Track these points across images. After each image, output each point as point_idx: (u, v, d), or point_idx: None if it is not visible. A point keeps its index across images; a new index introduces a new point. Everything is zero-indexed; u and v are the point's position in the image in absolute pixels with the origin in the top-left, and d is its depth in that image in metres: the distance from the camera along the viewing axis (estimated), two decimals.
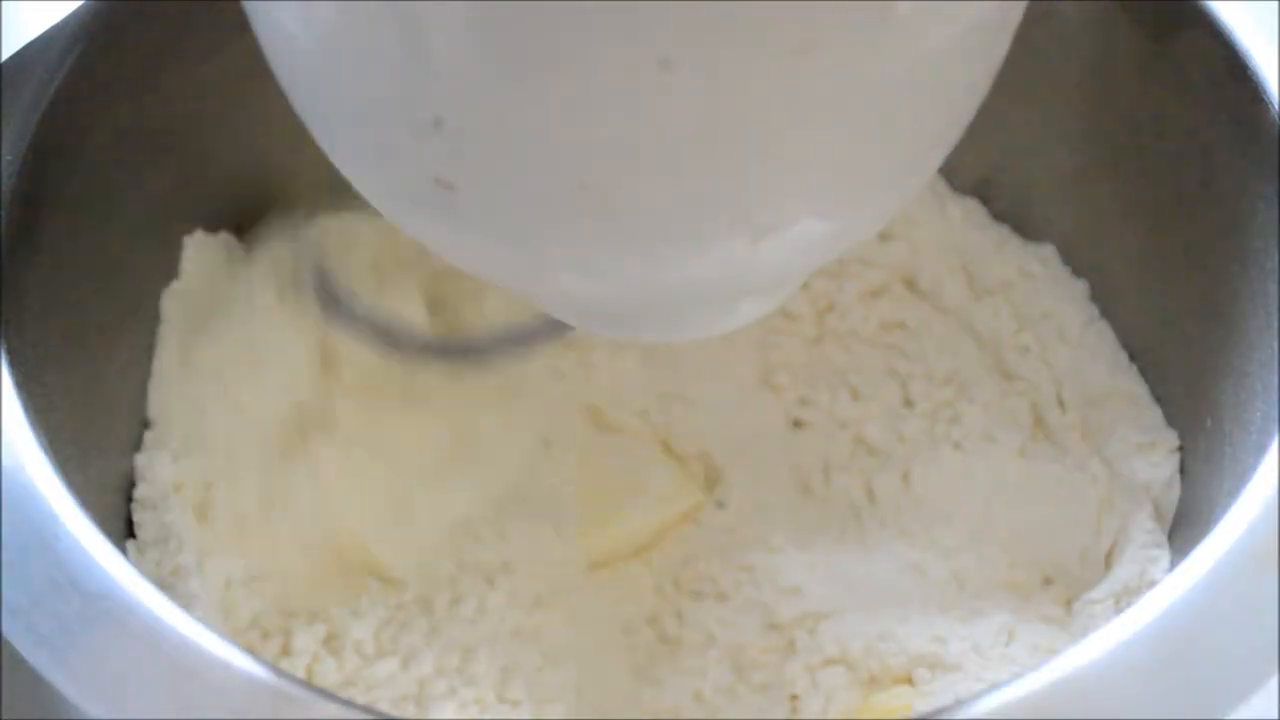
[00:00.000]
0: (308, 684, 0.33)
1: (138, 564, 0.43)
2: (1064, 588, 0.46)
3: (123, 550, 0.39)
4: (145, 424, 0.47)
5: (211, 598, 0.45)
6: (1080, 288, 0.51)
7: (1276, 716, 0.37)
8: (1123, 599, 0.44)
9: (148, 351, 0.48)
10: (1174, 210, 0.47)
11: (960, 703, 0.33)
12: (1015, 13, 0.33)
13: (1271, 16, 0.43)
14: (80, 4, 0.44)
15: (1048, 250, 0.52)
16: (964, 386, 0.51)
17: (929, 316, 0.53)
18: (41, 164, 0.42)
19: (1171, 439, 0.47)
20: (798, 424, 0.51)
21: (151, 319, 0.48)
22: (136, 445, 0.47)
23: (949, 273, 0.53)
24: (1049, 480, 0.48)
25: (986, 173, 0.54)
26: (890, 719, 0.43)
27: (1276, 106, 0.42)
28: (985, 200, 0.54)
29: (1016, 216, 0.54)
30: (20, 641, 0.33)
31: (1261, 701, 0.33)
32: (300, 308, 0.50)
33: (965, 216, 0.53)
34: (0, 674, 0.39)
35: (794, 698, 0.44)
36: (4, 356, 0.38)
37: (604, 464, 0.51)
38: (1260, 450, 0.38)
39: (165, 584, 0.43)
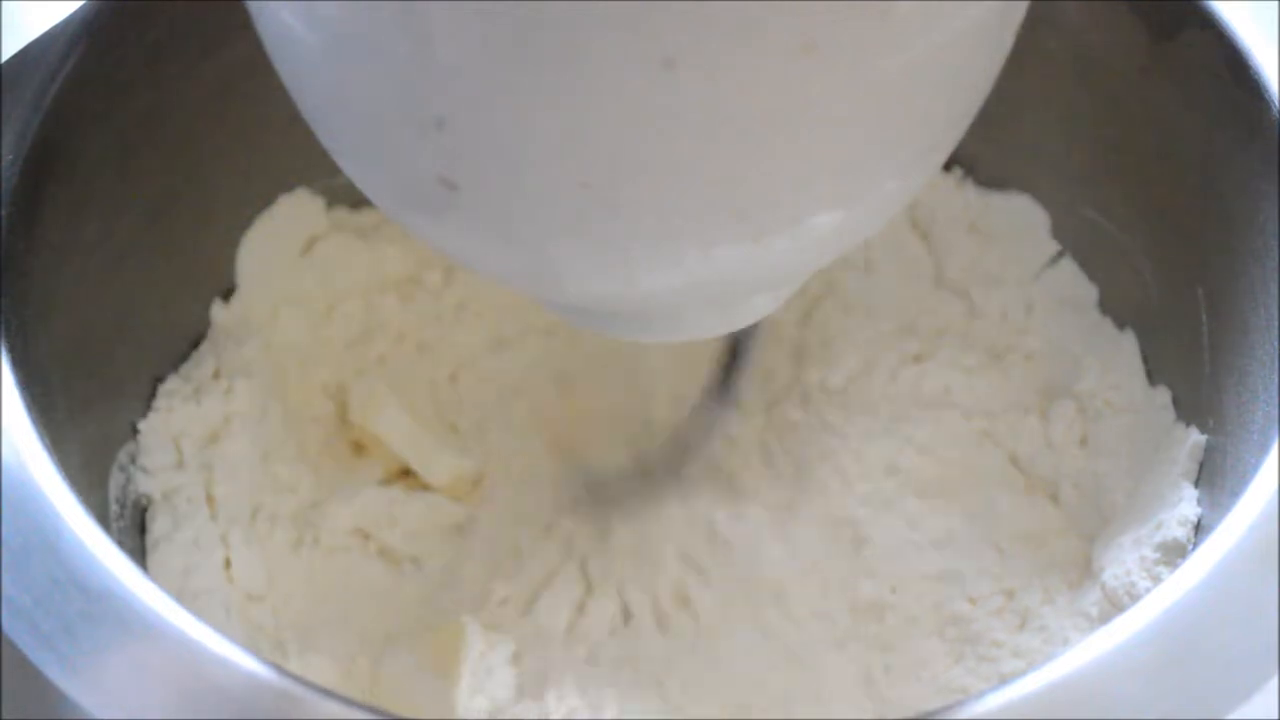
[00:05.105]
0: (309, 684, 0.33)
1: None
2: None
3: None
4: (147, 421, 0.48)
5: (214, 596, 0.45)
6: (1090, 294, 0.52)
7: (1276, 717, 0.37)
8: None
9: (149, 350, 0.48)
10: (1174, 210, 0.47)
11: (960, 703, 0.33)
12: (1017, 12, 0.33)
13: (1272, 16, 0.43)
14: (80, 4, 0.44)
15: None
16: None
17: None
18: (42, 164, 0.42)
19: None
20: None
21: (153, 318, 0.48)
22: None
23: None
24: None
25: (988, 172, 0.54)
26: None
27: (1277, 106, 0.42)
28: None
29: None
30: (22, 640, 0.33)
31: (1261, 701, 0.33)
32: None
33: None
34: (1, 673, 0.39)
35: None
36: (6, 356, 0.38)
37: None
38: (1262, 450, 0.38)
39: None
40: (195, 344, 0.51)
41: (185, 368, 0.50)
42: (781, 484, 0.51)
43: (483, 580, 0.49)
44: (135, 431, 0.47)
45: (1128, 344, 0.50)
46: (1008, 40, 0.33)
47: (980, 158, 0.53)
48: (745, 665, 0.47)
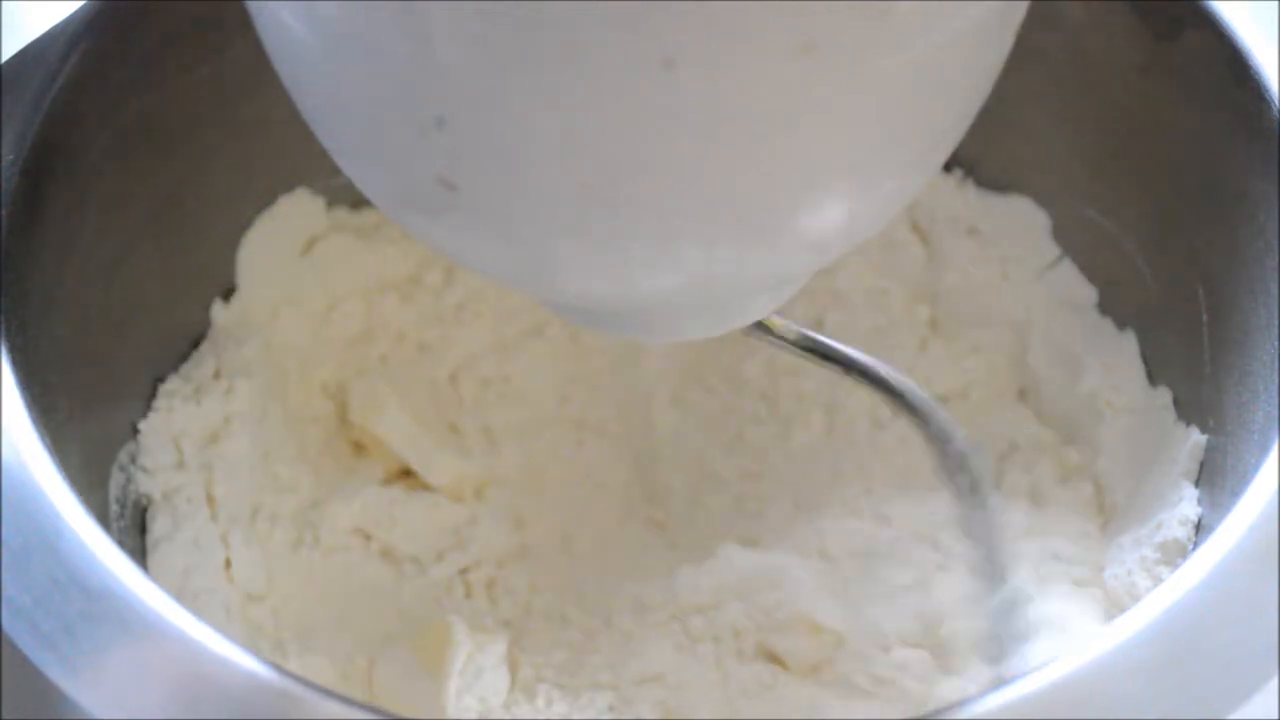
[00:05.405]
0: (309, 683, 0.33)
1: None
2: None
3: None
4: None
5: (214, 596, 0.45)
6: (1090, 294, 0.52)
7: (1276, 717, 0.37)
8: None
9: (150, 350, 0.48)
10: (1174, 210, 0.47)
11: (961, 703, 0.33)
12: (1017, 12, 0.33)
13: (1272, 16, 0.43)
14: (81, 4, 0.44)
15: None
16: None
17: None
18: (43, 164, 0.42)
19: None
20: None
21: (153, 318, 0.48)
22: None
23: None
24: None
25: (988, 173, 0.54)
26: None
27: (1277, 106, 0.42)
28: None
29: None
30: (22, 640, 0.33)
31: (1261, 701, 0.33)
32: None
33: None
34: (1, 673, 0.39)
35: None
36: (6, 356, 0.38)
37: None
38: (1262, 450, 0.38)
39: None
40: (195, 344, 0.51)
41: (185, 368, 0.50)
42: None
43: (480, 581, 0.49)
44: (135, 431, 0.47)
45: (1128, 344, 0.50)
46: (1008, 40, 0.33)
47: (981, 159, 0.53)
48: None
